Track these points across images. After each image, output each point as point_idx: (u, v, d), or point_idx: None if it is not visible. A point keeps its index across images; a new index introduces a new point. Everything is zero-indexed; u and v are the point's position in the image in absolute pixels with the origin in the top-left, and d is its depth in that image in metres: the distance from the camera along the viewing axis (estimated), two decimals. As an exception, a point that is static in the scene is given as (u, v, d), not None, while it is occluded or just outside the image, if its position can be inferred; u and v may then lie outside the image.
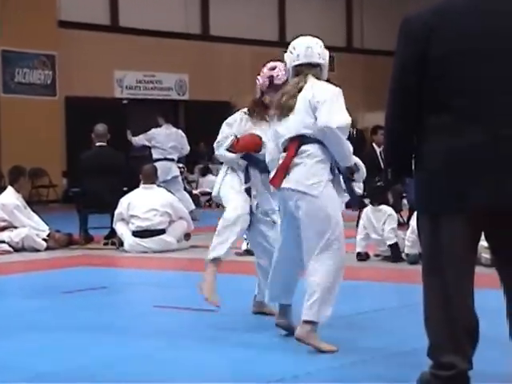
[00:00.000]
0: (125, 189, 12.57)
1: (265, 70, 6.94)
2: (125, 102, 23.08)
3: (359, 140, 24.58)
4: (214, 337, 6.53)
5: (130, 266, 11.36)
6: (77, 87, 22.01)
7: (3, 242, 12.16)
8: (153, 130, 16.33)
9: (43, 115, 21.08)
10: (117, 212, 12.18)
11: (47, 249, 12.24)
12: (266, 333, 6.48)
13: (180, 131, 16.89)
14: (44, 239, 12.33)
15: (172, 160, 16.03)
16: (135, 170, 12.98)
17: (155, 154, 15.93)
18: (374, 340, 6.33)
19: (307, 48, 6.32)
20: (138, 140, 16.25)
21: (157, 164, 14.33)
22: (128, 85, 23.93)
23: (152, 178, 12.44)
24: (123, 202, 12.16)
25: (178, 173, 16.17)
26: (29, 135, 20.18)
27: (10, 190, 12.55)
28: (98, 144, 13.52)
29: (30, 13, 20.66)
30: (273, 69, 6.87)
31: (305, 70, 6.21)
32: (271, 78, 6.83)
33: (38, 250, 12.15)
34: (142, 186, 12.28)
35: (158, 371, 5.60)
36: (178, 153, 16.28)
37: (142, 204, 11.99)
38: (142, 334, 6.88)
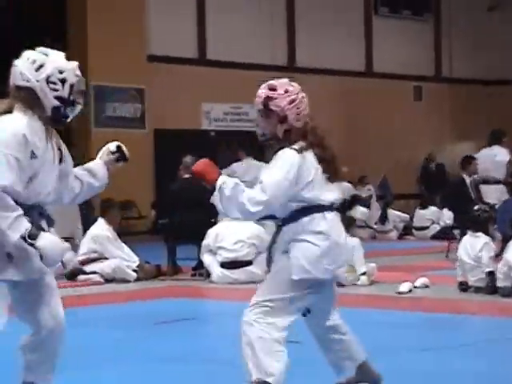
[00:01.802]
0: (212, 220, 12.67)
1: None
2: (212, 134, 23.29)
3: (439, 174, 24.53)
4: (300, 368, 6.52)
5: (218, 297, 11.43)
6: (165, 120, 22.21)
7: (94, 272, 12.33)
8: (233, 165, 16.46)
9: (133, 148, 20.74)
10: (204, 243, 12.29)
11: (137, 280, 12.37)
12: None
13: (261, 164, 16.89)
14: (134, 270, 12.47)
15: None
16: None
17: None
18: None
19: None
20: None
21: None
22: (215, 117, 24.06)
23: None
24: (211, 234, 12.27)
25: None
26: (118, 168, 20.38)
27: (101, 221, 12.73)
28: (186, 176, 13.65)
29: (120, 48, 20.91)
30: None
31: None
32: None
33: (127, 281, 12.28)
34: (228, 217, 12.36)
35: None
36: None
37: (230, 235, 12.07)
38: (231, 365, 6.92)
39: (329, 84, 25.15)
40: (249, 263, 12.06)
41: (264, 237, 12.45)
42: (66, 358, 7.39)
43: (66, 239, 14.23)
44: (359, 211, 19.94)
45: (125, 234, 13.75)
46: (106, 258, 12.47)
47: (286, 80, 5.57)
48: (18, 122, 4.89)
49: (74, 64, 5.13)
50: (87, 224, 14.85)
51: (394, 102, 26.56)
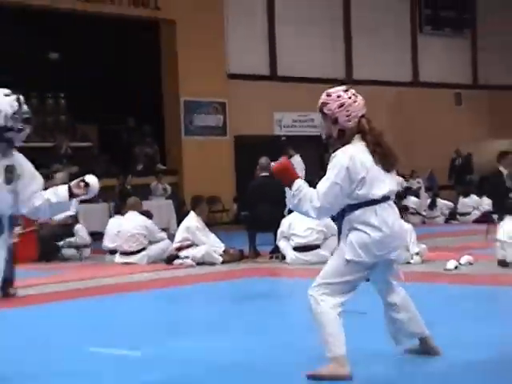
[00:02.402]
0: (285, 212, 12.69)
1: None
2: (283, 138, 23.31)
3: (465, 165, 24.53)
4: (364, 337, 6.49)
5: (292, 275, 11.42)
6: (243, 128, 22.28)
7: (187, 257, 12.42)
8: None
9: (217, 152, 21.47)
10: (280, 231, 12.31)
11: (223, 263, 12.41)
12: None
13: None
14: (220, 254, 12.54)
15: None
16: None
17: None
18: None
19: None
20: None
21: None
22: (285, 124, 24.10)
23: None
24: (285, 223, 12.28)
25: None
26: (205, 169, 20.58)
27: (192, 214, 12.81)
28: (262, 174, 13.69)
29: (204, 69, 21.09)
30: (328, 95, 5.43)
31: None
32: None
33: (215, 264, 12.35)
34: (300, 208, 12.36)
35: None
36: None
37: (301, 224, 12.08)
38: (301, 334, 6.93)
39: (382, 93, 25.00)
40: (318, 247, 12.05)
41: (331, 224, 12.46)
42: (172, 327, 7.51)
43: (163, 229, 14.46)
44: (411, 200, 19.97)
45: (212, 224, 13.86)
46: (197, 245, 12.56)
47: (342, 87, 5.43)
48: None
49: (11, 98, 5.24)
50: (180, 217, 15.02)
51: (437, 106, 26.36)
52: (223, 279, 11.04)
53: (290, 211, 12.42)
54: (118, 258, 13.18)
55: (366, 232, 5.18)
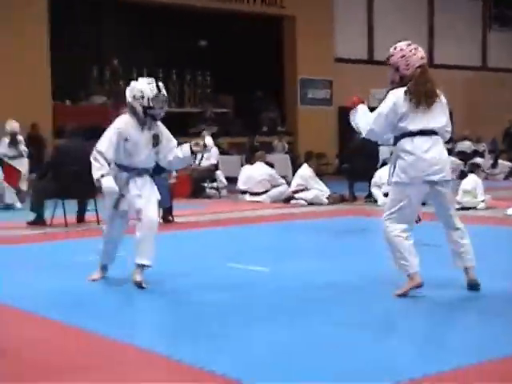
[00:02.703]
0: (378, 166, 12.52)
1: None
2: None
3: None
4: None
5: (380, 216, 11.29)
6: (345, 100, 21.96)
7: (301, 198, 12.44)
8: None
9: (324, 118, 21.31)
10: (373, 180, 12.18)
11: (328, 204, 12.39)
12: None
13: None
14: (326, 198, 12.50)
15: None
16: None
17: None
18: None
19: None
20: None
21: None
22: (378, 98, 23.63)
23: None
24: (377, 174, 12.13)
25: None
26: (315, 131, 20.49)
27: (305, 165, 12.80)
28: (361, 136, 13.52)
29: (317, 54, 20.98)
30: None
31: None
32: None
33: (321, 204, 12.32)
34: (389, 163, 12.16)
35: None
36: None
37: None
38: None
39: (458, 76, 24.26)
40: (403, 194, 11.88)
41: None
42: (288, 251, 7.53)
43: (283, 177, 14.47)
44: (477, 160, 19.35)
45: (319, 174, 13.73)
46: (308, 189, 12.55)
47: (406, 42, 5.20)
48: (119, 121, 5.64)
49: (152, 85, 5.57)
50: (295, 168, 15.00)
51: (500, 88, 25.40)
52: (328, 217, 11.01)
53: (382, 165, 12.26)
54: (247, 197, 13.30)
55: (403, 157, 4.98)
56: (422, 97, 5.00)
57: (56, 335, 4.28)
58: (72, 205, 9.81)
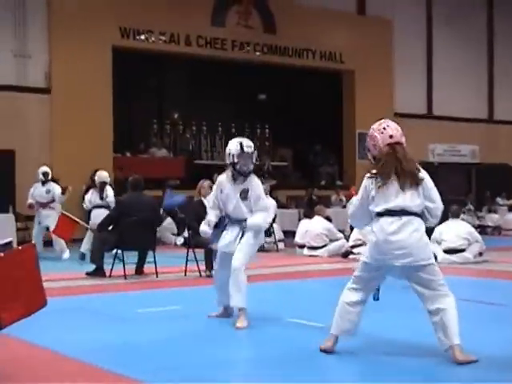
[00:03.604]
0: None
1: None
2: (436, 164, 22.82)
3: None
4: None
5: (441, 271, 11.08)
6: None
7: (359, 253, 12.28)
8: None
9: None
10: (433, 237, 11.82)
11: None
12: None
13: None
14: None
15: None
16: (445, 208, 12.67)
17: None
18: None
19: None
20: None
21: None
22: (437, 153, 23.53)
23: (457, 214, 12.18)
24: (437, 231, 11.93)
25: None
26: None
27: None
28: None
29: (376, 109, 20.93)
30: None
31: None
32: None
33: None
34: (450, 219, 11.99)
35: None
36: None
37: (450, 232, 11.76)
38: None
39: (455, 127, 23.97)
40: (463, 250, 11.67)
41: (473, 232, 12.03)
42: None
43: (341, 231, 14.38)
44: None
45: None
46: (366, 244, 12.40)
47: (380, 121, 5.12)
48: (222, 175, 6.46)
49: (237, 144, 6.33)
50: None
51: None
52: (387, 272, 10.86)
53: (440, 222, 12.09)
54: (305, 251, 13.26)
55: (370, 239, 4.95)
56: (388, 178, 4.83)
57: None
58: (131, 257, 9.93)
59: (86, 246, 12.14)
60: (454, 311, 4.85)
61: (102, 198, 12.29)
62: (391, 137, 4.95)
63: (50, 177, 13.08)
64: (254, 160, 6.34)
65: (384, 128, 4.99)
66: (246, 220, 6.27)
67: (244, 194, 6.26)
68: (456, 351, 4.75)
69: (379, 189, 4.83)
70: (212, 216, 6.48)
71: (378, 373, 4.63)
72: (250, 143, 6.40)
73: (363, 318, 5.14)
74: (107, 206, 12.12)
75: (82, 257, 11.98)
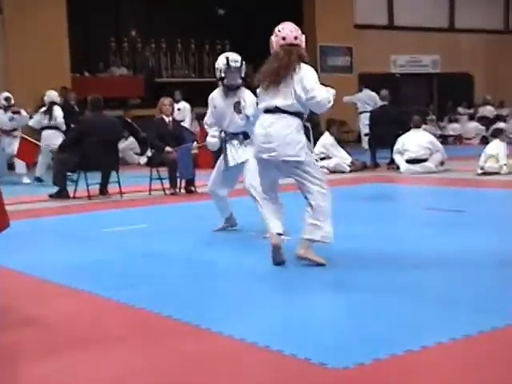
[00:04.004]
0: (400, 132, 12.41)
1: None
2: (397, 75, 22.79)
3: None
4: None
5: (404, 183, 11.27)
6: (365, 67, 21.82)
7: (323, 167, 12.36)
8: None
9: (345, 86, 20.85)
10: (395, 147, 12.10)
11: (350, 172, 12.35)
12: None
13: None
14: (348, 165, 12.45)
15: None
16: (405, 119, 12.76)
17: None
18: None
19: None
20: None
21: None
22: (399, 64, 23.44)
23: (419, 124, 12.24)
24: (399, 141, 12.06)
25: None
26: (336, 100, 20.13)
27: (326, 134, 12.74)
28: (382, 103, 13.42)
29: (336, 21, 20.80)
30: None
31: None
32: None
33: (344, 172, 12.28)
34: (412, 130, 12.07)
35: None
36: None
37: (412, 142, 11.85)
38: (417, 226, 6.83)
39: (477, 39, 23.99)
40: (425, 160, 11.79)
41: (435, 141, 12.15)
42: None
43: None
44: (500, 125, 19.13)
45: (342, 141, 13.69)
46: (330, 158, 12.49)
47: (282, 24, 5.15)
48: (213, 93, 6.45)
49: (224, 59, 6.30)
50: (316, 136, 14.89)
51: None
52: (350, 184, 10.99)
53: (404, 132, 12.18)
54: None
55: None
56: (266, 77, 5.02)
57: (89, 307, 4.32)
58: (94, 178, 9.86)
59: (40, 170, 12.05)
60: (321, 208, 4.97)
61: (50, 119, 12.09)
62: (284, 38, 5.02)
63: (12, 102, 12.51)
64: (241, 74, 6.29)
65: (279, 31, 5.06)
66: (242, 133, 6.30)
67: (237, 107, 6.25)
68: (301, 246, 4.97)
69: (262, 89, 5.07)
70: (214, 131, 6.44)
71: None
72: (237, 57, 6.33)
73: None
74: (56, 127, 12.00)
75: (39, 180, 11.90)
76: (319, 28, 20.96)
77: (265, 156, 4.97)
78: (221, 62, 6.30)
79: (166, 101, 10.34)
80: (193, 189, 9.92)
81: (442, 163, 12.08)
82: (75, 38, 17.31)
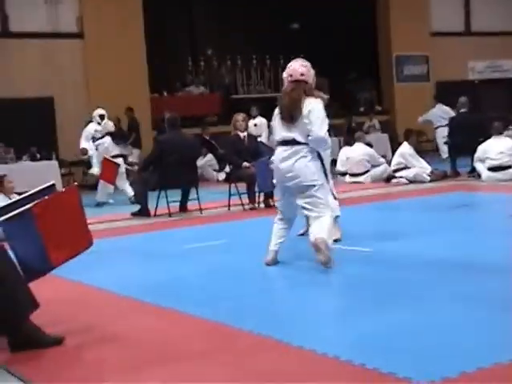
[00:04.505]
0: (480, 139, 12.08)
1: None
2: (476, 81, 22.33)
3: None
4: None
5: (486, 190, 10.96)
6: (443, 75, 21.45)
7: (402, 177, 12.23)
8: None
9: (422, 94, 20.56)
10: (476, 155, 11.80)
11: (430, 181, 12.10)
12: None
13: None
14: (428, 175, 12.21)
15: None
16: (486, 126, 12.43)
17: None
18: None
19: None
20: None
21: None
22: (478, 70, 22.94)
23: (500, 130, 11.90)
24: (480, 148, 11.76)
25: None
26: (413, 108, 19.66)
27: (405, 144, 12.52)
28: (461, 110, 13.14)
29: (412, 29, 20.55)
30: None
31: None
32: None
33: (423, 182, 12.06)
34: (493, 136, 11.75)
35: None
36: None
37: (494, 148, 11.53)
38: (502, 234, 6.63)
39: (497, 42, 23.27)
40: (509, 167, 11.44)
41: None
42: (391, 230, 7.37)
43: (382, 156, 14.24)
44: None
45: (420, 151, 13.46)
46: (409, 168, 12.30)
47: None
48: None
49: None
50: (394, 146, 14.74)
51: None
52: (430, 194, 10.77)
53: (485, 139, 11.87)
54: (347, 179, 13.19)
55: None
56: (280, 112, 5.60)
57: (172, 323, 4.35)
58: (175, 196, 9.99)
59: (101, 196, 11.99)
60: (324, 224, 5.49)
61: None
62: (290, 75, 5.54)
63: (105, 119, 12.47)
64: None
65: (288, 68, 5.61)
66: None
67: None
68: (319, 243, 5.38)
69: (277, 122, 5.61)
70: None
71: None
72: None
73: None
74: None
75: (99, 205, 11.77)
76: (394, 37, 20.74)
77: (287, 184, 5.59)
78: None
79: (240, 117, 10.41)
80: (272, 203, 9.92)
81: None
82: (153, 59, 17.66)
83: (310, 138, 5.42)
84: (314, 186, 5.49)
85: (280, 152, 5.56)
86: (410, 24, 20.46)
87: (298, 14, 20.95)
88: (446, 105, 16.63)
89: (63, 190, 4.51)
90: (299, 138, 5.48)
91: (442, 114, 16.54)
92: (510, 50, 22.75)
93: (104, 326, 4.33)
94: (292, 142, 5.49)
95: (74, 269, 4.77)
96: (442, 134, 15.71)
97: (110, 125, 12.58)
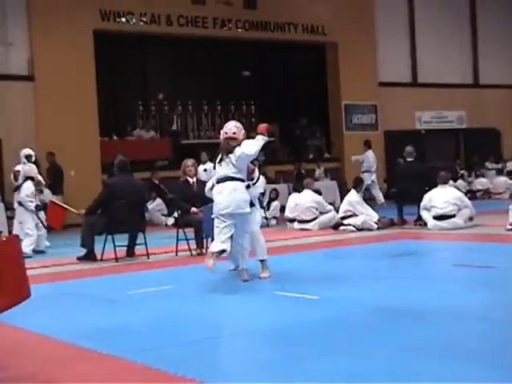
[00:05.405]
0: (426, 188, 12.33)
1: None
2: (423, 131, 22.81)
3: None
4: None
5: (432, 239, 11.14)
6: (391, 124, 21.89)
7: (349, 224, 12.34)
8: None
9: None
10: (422, 204, 12.00)
11: (377, 229, 12.25)
12: None
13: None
14: (375, 222, 12.35)
15: None
16: (432, 175, 12.71)
17: None
18: None
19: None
20: None
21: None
22: (424, 120, 23.48)
23: (446, 180, 12.14)
24: (426, 197, 11.97)
25: None
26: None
27: (353, 191, 12.66)
28: (408, 159, 13.38)
29: (360, 79, 20.99)
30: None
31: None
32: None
33: (371, 230, 12.19)
34: (439, 186, 11.99)
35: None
36: None
37: (439, 198, 11.74)
38: (446, 283, 6.74)
39: (502, 94, 24.05)
40: (453, 216, 11.66)
41: (463, 197, 12.03)
42: (338, 277, 7.40)
43: (330, 203, 14.40)
44: None
45: (367, 199, 13.65)
46: (357, 215, 12.42)
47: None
48: None
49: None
50: (343, 194, 14.90)
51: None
52: (377, 241, 10.90)
53: (430, 188, 12.10)
54: (296, 225, 13.26)
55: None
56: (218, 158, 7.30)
57: (110, 371, 4.27)
58: (122, 240, 9.90)
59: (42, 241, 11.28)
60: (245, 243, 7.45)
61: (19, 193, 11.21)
62: (226, 133, 7.21)
63: (33, 159, 11.64)
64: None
65: (225, 127, 7.27)
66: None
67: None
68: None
69: (217, 164, 7.30)
70: None
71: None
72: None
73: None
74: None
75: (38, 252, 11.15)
76: (343, 87, 21.14)
77: (225, 211, 7.01)
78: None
79: (189, 162, 10.44)
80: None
81: (470, 219, 11.93)
82: (104, 102, 17.63)
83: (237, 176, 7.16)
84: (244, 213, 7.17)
85: (217, 186, 7.20)
86: (359, 73, 20.94)
87: (249, 61, 21.27)
88: (393, 154, 17.06)
89: (4, 238, 4.42)
90: (229, 175, 7.15)
91: (373, 159, 17.67)
92: (454, 102, 23.40)
93: (39, 374, 4.22)
94: (226, 179, 7.14)
95: (16, 314, 4.66)
96: (369, 178, 17.10)
97: (29, 169, 11.42)
